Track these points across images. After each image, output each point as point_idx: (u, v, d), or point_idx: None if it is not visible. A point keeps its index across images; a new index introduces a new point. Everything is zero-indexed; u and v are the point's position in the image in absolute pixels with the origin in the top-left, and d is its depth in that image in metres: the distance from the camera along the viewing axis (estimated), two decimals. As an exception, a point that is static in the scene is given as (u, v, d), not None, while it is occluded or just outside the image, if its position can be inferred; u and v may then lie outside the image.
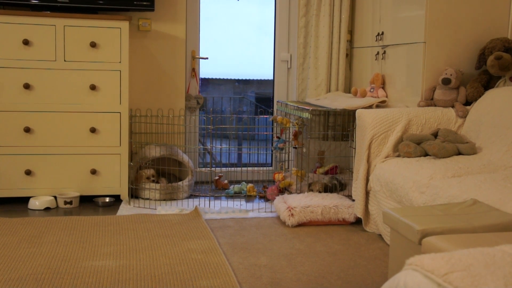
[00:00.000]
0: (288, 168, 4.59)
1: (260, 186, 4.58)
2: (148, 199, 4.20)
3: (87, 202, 4.10)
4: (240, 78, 8.53)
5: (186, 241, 3.21)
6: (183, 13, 4.63)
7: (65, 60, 3.95)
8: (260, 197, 4.40)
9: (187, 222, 3.63)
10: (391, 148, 3.43)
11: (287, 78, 5.04)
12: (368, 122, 3.48)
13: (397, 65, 4.02)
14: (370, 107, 3.95)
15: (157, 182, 4.27)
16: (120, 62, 4.01)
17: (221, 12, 5.80)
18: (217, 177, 4.68)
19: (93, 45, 3.95)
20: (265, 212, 3.96)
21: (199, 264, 2.85)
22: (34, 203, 3.90)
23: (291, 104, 4.37)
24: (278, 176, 4.35)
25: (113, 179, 4.09)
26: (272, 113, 4.99)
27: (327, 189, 4.08)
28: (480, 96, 3.55)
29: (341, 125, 4.43)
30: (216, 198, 4.35)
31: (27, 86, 3.89)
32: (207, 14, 4.97)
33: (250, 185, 4.47)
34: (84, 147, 4.03)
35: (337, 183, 4.13)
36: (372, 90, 4.17)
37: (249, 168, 4.81)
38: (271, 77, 5.13)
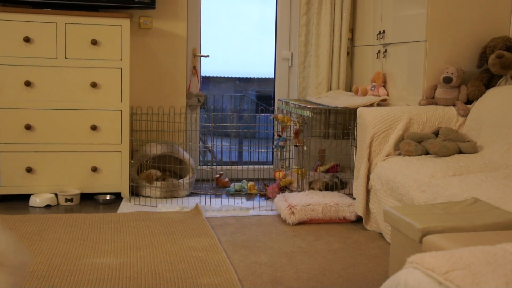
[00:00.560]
0: (289, 166, 4.58)
1: (260, 184, 4.58)
2: (148, 196, 4.20)
3: (88, 199, 4.10)
4: (241, 76, 8.53)
5: (187, 239, 3.21)
6: (184, 11, 4.63)
7: (66, 58, 3.94)
8: (261, 195, 4.40)
9: (188, 220, 3.63)
10: (392, 146, 3.43)
11: (288, 76, 5.03)
12: (369, 120, 3.48)
13: (398, 64, 4.02)
14: (371, 105, 3.95)
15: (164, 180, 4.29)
16: (121, 59, 4.01)
17: (222, 10, 5.80)
18: (217, 175, 4.68)
19: (94, 42, 3.95)
20: (266, 210, 3.96)
21: (199, 261, 2.85)
22: (34, 201, 3.90)
23: (292, 102, 4.37)
24: (279, 174, 4.35)
25: (114, 176, 4.09)
26: (273, 111, 4.99)
27: (328, 187, 4.08)
28: (481, 95, 3.55)
29: (342, 124, 4.43)
30: (217, 196, 4.35)
31: (28, 84, 3.89)
32: (208, 12, 4.97)
33: (250, 183, 4.46)
34: (85, 144, 4.03)
35: (337, 182, 4.13)
36: (373, 88, 4.16)
37: (250, 166, 4.81)
38: (272, 75, 5.12)
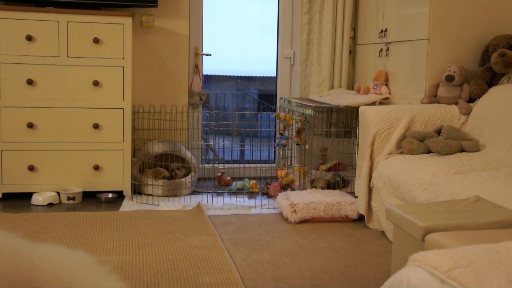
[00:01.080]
0: (291, 164, 4.58)
1: (262, 183, 4.58)
2: (150, 195, 4.20)
3: (90, 198, 4.10)
4: (243, 75, 8.52)
5: (189, 237, 3.21)
6: (186, 9, 4.62)
7: (68, 56, 3.95)
8: (263, 194, 4.40)
9: (190, 218, 3.63)
10: (394, 145, 3.43)
11: (290, 74, 5.03)
12: (371, 119, 3.48)
13: (400, 62, 4.01)
14: (373, 104, 3.95)
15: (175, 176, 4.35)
16: (123, 58, 4.01)
17: (224, 9, 5.79)
18: (219, 174, 4.68)
19: (96, 41, 3.95)
20: (268, 208, 3.96)
21: (201, 260, 2.85)
22: (37, 199, 3.91)
23: (294, 100, 4.37)
24: (281, 173, 4.35)
25: (116, 175, 4.09)
26: (275, 110, 4.99)
27: (330, 185, 4.07)
28: (483, 93, 3.54)
29: (344, 122, 4.43)
30: (219, 194, 4.35)
31: (30, 82, 3.90)
32: (210, 10, 4.97)
33: (252, 181, 4.46)
34: (87, 143, 4.03)
35: (339, 180, 4.13)
36: (375, 87, 4.16)
37: (252, 165, 4.81)
38: (274, 74, 5.12)
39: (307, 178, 4.17)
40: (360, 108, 3.61)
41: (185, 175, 4.40)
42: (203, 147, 5.10)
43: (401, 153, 3.39)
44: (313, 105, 4.01)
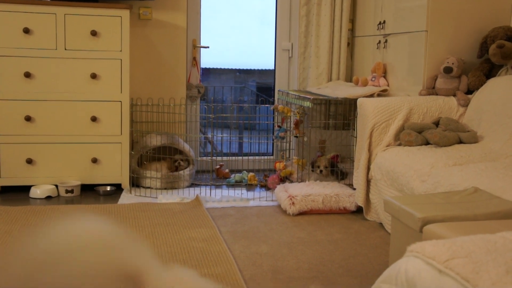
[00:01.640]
0: (289, 157, 4.58)
1: (261, 175, 4.58)
2: (149, 187, 4.20)
3: (88, 190, 4.10)
4: (241, 67, 8.51)
5: (187, 230, 3.22)
6: (184, 1, 4.61)
7: (65, 49, 3.93)
8: (261, 186, 4.40)
9: (188, 210, 3.63)
10: (392, 137, 3.43)
11: (288, 67, 5.02)
12: (369, 111, 3.48)
13: (398, 54, 4.01)
14: (371, 96, 3.94)
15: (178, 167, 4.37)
16: (121, 50, 4.00)
17: (222, 1, 5.77)
18: (218, 166, 4.68)
19: (93, 33, 3.94)
20: (266, 201, 3.96)
21: (200, 252, 2.86)
22: (35, 192, 3.91)
23: (292, 93, 4.36)
24: (279, 165, 4.35)
25: (114, 167, 4.09)
26: (273, 102, 4.98)
27: (333, 165, 4.08)
28: (481, 85, 3.54)
29: (342, 114, 4.43)
30: (217, 187, 4.35)
31: (27, 75, 3.89)
32: (208, 2, 4.96)
33: (251, 174, 4.47)
34: (85, 135, 4.02)
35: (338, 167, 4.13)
36: (373, 79, 4.16)
37: (250, 157, 4.81)
38: (272, 67, 5.11)
39: (305, 170, 4.18)
40: (358, 100, 3.61)
41: (184, 168, 4.40)
42: (202, 140, 5.10)
43: (399, 145, 3.40)
44: (311, 97, 4.00)
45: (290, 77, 5.02)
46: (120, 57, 4.00)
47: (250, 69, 8.51)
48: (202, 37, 4.83)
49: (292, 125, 4.35)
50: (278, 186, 3.95)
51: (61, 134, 3.99)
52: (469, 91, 3.62)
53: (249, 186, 4.40)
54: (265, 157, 5.03)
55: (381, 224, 3.43)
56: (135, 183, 4.23)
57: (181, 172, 4.29)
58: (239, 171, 4.69)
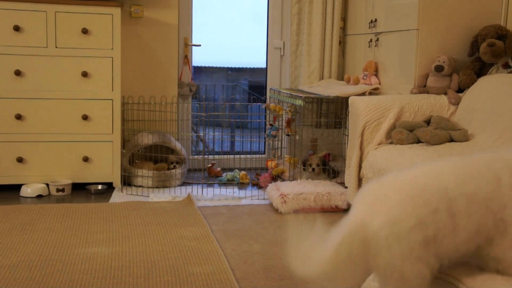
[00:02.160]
0: (281, 155, 4.59)
1: (253, 174, 4.58)
2: (140, 186, 4.19)
3: (80, 189, 4.09)
4: (233, 66, 8.50)
5: (179, 228, 3.21)
6: (175, -1, 4.60)
7: (56, 47, 3.92)
8: (253, 185, 4.40)
9: (180, 209, 3.62)
10: (384, 135, 3.44)
11: (280, 65, 5.02)
12: (361, 109, 3.48)
13: (390, 52, 4.01)
14: (363, 94, 3.95)
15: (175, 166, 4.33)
16: (112, 49, 3.98)
17: (213, -1, 5.77)
18: (209, 165, 4.68)
19: (85, 31, 3.92)
20: (258, 199, 3.96)
21: (192, 250, 2.85)
22: (26, 191, 3.89)
23: (284, 91, 4.36)
24: (271, 164, 4.35)
25: (106, 166, 4.08)
26: (265, 101, 4.98)
27: (325, 163, 4.08)
28: (472, 83, 3.55)
29: (334, 113, 4.43)
30: (209, 185, 4.34)
31: (18, 73, 3.87)
32: (199, 0, 4.94)
33: (243, 172, 4.46)
34: (76, 134, 4.01)
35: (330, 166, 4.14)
36: (365, 77, 4.16)
37: (242, 156, 4.81)
38: (264, 65, 5.11)
39: (297, 168, 4.18)
40: (350, 99, 3.61)
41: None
42: (193, 138, 5.09)
43: (391, 143, 3.40)
44: (303, 95, 4.00)
45: (282, 75, 5.02)
46: (111, 55, 3.98)
47: (242, 68, 8.51)
48: (193, 35, 4.83)
49: (284, 124, 4.35)
50: (270, 185, 3.94)
51: (52, 133, 3.98)
52: (460, 90, 3.63)
53: (241, 185, 4.40)
54: (257, 155, 5.03)
55: (372, 222, 3.43)
56: (127, 181, 4.21)
57: (173, 170, 4.28)
58: (231, 169, 4.69)
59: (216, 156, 4.93)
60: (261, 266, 2.71)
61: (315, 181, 3.93)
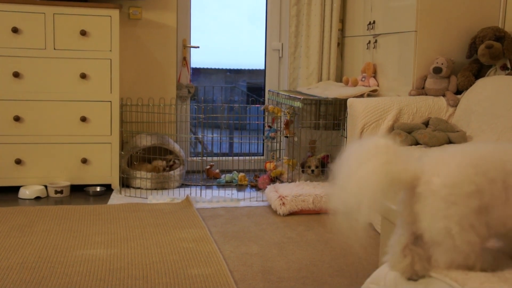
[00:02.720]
0: (280, 157, 4.59)
1: (251, 175, 4.58)
2: (139, 188, 4.19)
3: (78, 191, 4.08)
4: (231, 67, 8.50)
5: (178, 230, 3.21)
6: (174, 1, 4.60)
7: (55, 49, 3.91)
8: (252, 186, 4.40)
9: (179, 211, 3.62)
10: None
11: (278, 67, 5.03)
12: (359, 111, 3.48)
13: (388, 54, 4.02)
14: (361, 96, 3.95)
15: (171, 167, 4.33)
16: (110, 50, 3.98)
17: (212, 1, 5.77)
18: (208, 166, 4.68)
19: (83, 33, 3.92)
20: (257, 201, 3.96)
21: (190, 252, 2.85)
22: (24, 192, 3.88)
23: (283, 93, 4.37)
24: (270, 165, 4.35)
25: (104, 168, 4.07)
26: (263, 103, 4.98)
27: (323, 165, 4.08)
28: (471, 85, 3.56)
29: (333, 114, 4.43)
30: (208, 187, 4.34)
31: (16, 75, 3.86)
32: (198, 2, 4.95)
33: (241, 174, 4.46)
34: (74, 136, 4.01)
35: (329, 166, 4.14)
36: (363, 79, 4.17)
37: (241, 158, 4.81)
38: (262, 67, 5.12)
39: (296, 170, 4.18)
40: (348, 100, 3.62)
41: (176, 167, 4.39)
42: (192, 140, 5.09)
43: (389, 145, 3.40)
44: (302, 97, 4.00)
45: (280, 77, 5.02)
46: (109, 57, 3.99)
47: (240, 69, 8.51)
48: (192, 37, 4.83)
49: (283, 125, 4.36)
50: (268, 187, 3.95)
51: (51, 134, 3.97)
52: (458, 91, 3.64)
53: (240, 187, 4.40)
54: (256, 157, 5.03)
55: (371, 224, 3.43)
56: (125, 183, 4.21)
57: (171, 172, 4.28)
58: (230, 171, 4.69)
59: (215, 158, 4.93)
60: (260, 268, 2.71)
61: (314, 183, 3.93)
